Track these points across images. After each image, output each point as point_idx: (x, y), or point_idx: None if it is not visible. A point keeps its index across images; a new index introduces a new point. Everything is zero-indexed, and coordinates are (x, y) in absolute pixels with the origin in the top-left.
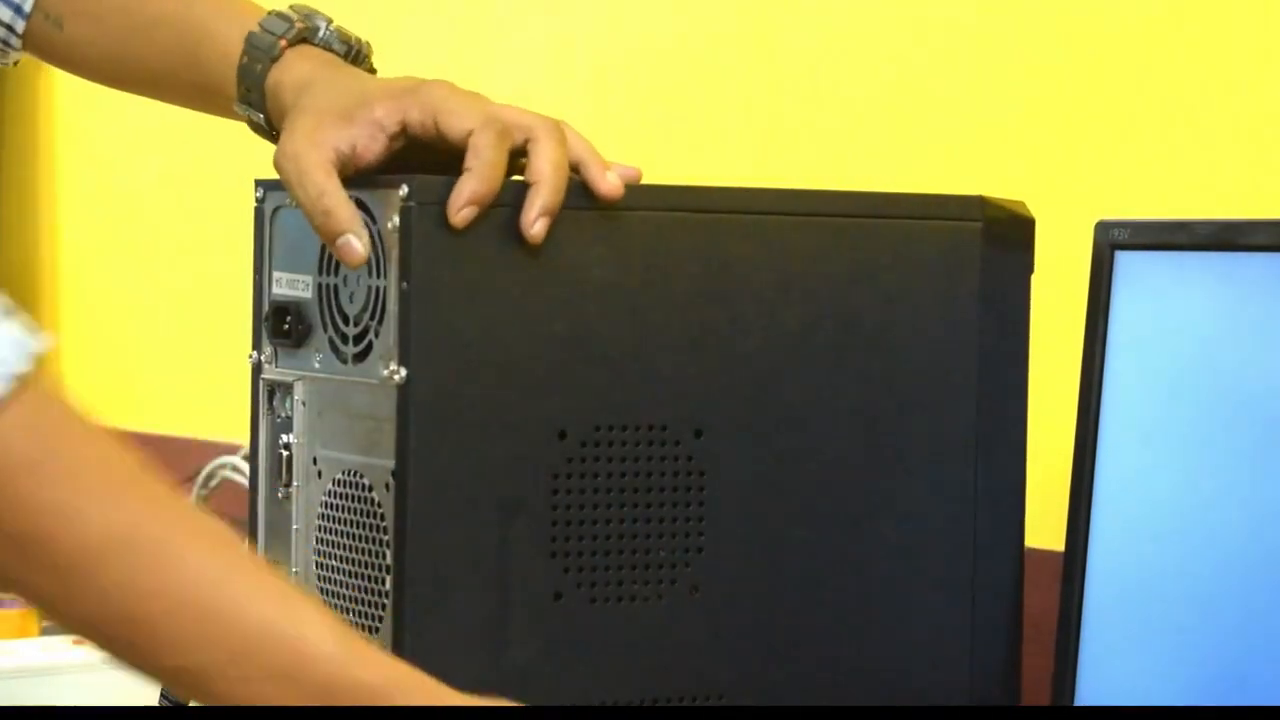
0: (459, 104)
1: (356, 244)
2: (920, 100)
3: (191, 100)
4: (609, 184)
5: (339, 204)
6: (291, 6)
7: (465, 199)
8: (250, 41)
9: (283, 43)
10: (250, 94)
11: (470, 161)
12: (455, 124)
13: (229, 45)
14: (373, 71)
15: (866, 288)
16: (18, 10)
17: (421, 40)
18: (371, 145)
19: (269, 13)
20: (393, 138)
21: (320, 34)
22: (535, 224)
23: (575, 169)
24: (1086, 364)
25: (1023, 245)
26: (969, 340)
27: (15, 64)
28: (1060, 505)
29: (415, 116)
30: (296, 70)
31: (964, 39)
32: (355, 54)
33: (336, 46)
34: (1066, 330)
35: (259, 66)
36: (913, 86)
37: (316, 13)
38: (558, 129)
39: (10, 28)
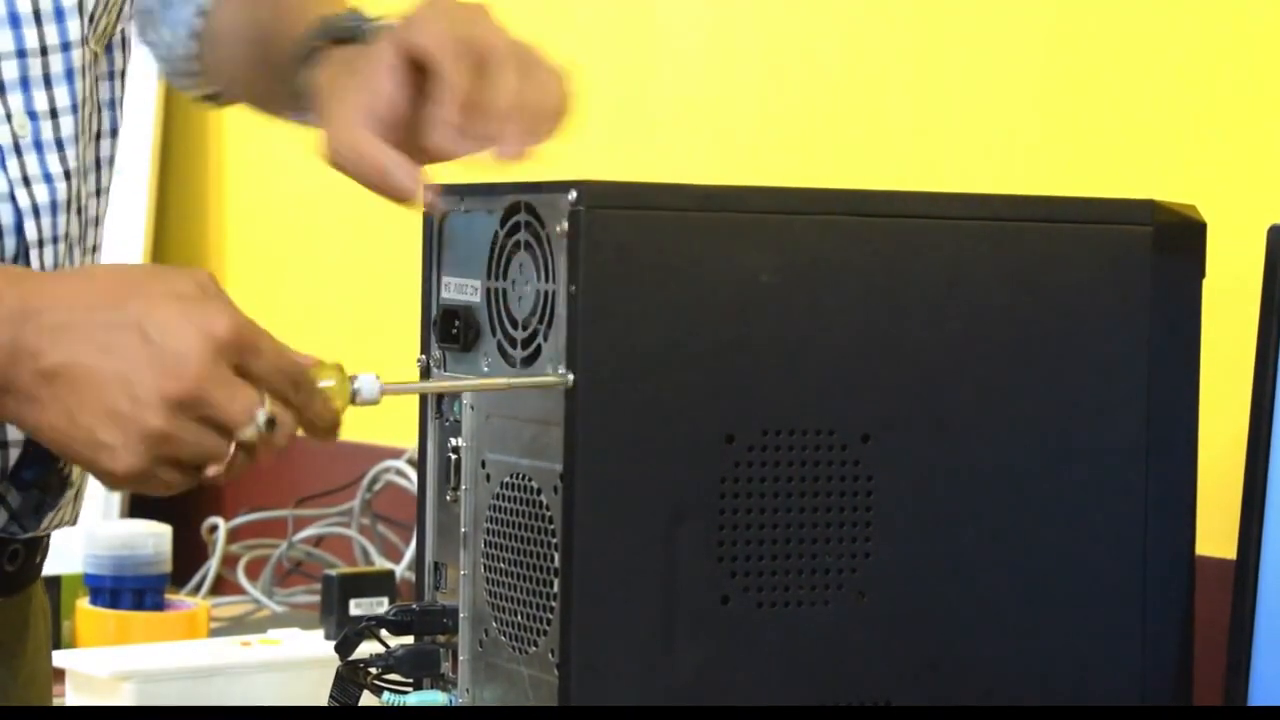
0: (430, 32)
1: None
2: (1090, 103)
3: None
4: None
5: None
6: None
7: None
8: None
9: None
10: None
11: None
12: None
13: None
14: None
15: (1036, 293)
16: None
17: (585, 41)
18: (386, 83)
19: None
20: (400, 69)
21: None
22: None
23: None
24: (1259, 370)
25: (1194, 250)
26: (1139, 346)
27: (208, 98)
28: (1232, 512)
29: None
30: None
31: (1133, 42)
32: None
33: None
34: (1238, 336)
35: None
36: (1083, 89)
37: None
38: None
39: (187, 51)
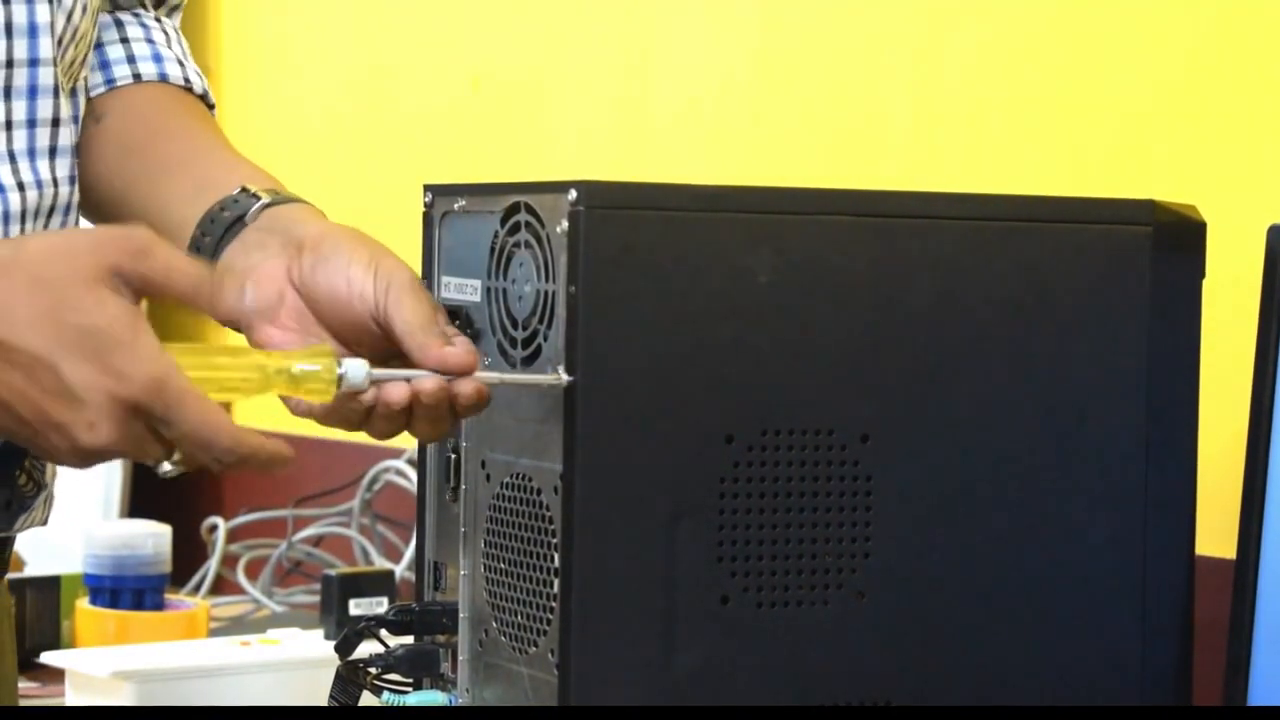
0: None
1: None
2: (1090, 103)
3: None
4: None
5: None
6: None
7: None
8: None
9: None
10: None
11: None
12: None
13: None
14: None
15: (1035, 293)
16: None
17: (586, 41)
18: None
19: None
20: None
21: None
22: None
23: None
24: (1259, 370)
25: (1194, 250)
26: (1139, 345)
27: None
28: (1232, 512)
29: None
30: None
31: (1133, 42)
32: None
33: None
34: (1238, 336)
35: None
36: (1083, 89)
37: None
38: None
39: None
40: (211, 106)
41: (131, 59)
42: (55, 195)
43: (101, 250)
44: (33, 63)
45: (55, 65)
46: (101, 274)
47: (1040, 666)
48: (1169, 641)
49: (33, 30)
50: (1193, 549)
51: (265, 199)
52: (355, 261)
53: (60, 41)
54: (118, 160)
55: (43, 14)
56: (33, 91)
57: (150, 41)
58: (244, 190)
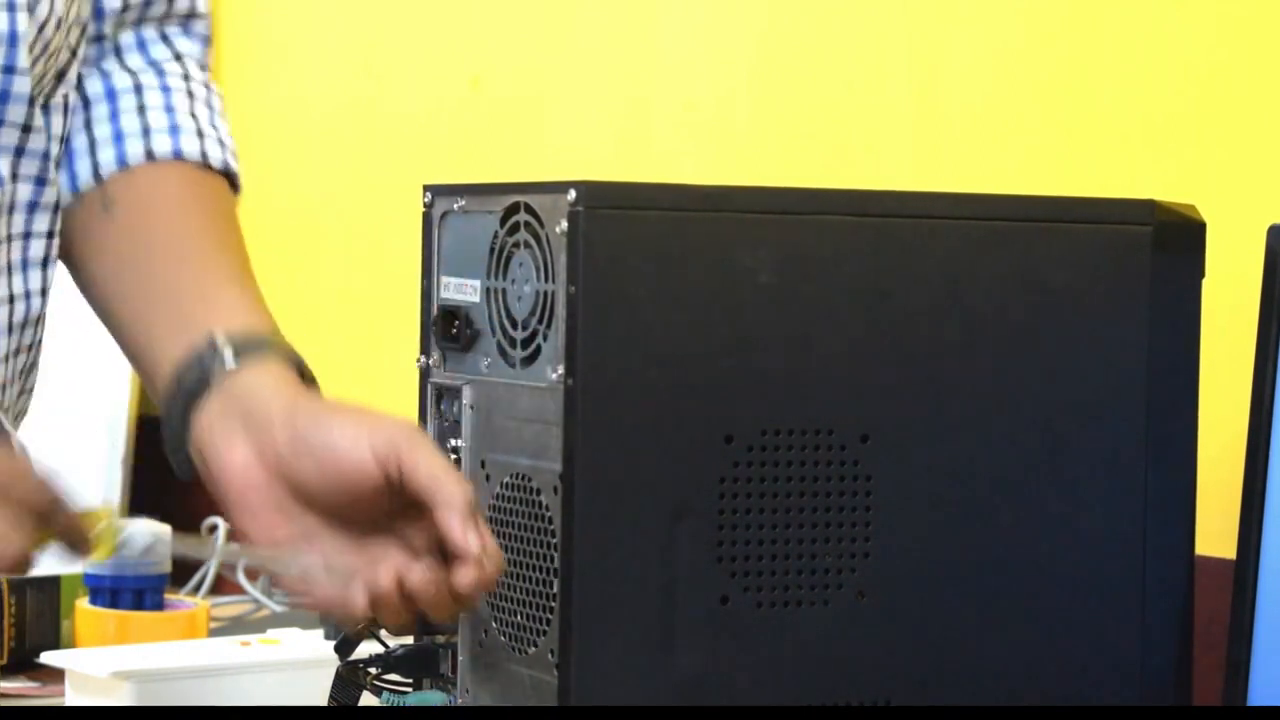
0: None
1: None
2: (1090, 103)
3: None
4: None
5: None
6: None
7: None
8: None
9: None
10: None
11: None
12: None
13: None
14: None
15: (1036, 292)
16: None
17: (586, 41)
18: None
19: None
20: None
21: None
22: None
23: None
24: (1258, 370)
25: (1194, 250)
26: (1139, 345)
27: None
28: (1232, 512)
29: None
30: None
31: (1132, 41)
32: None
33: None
34: (1238, 336)
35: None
36: (1083, 89)
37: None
38: None
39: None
40: (234, 178)
41: (146, 131)
42: (14, 192)
43: None
44: (8, 70)
45: (27, 76)
46: None
47: (1040, 666)
48: (1169, 641)
49: (12, 39)
50: (1193, 549)
51: (229, 362)
52: (345, 419)
53: (30, 48)
54: (116, 270)
55: (22, 23)
56: (4, 96)
57: (170, 110)
58: (211, 344)
